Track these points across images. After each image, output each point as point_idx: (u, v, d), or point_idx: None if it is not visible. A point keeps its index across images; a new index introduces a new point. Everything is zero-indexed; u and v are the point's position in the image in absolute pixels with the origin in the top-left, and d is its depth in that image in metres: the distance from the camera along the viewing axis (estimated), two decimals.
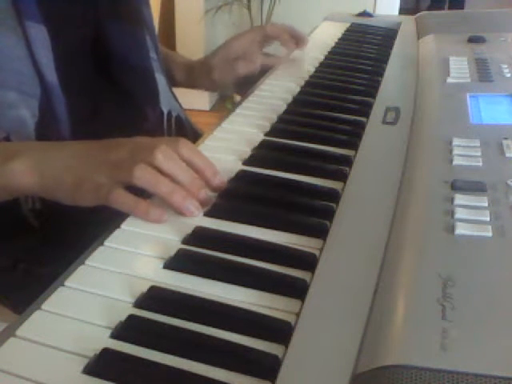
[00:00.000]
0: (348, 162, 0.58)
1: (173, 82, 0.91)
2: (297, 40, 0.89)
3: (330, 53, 0.98)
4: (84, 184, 0.48)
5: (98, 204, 0.49)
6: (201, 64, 0.89)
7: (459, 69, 0.75)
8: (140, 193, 0.49)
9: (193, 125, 0.87)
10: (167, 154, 0.48)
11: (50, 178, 0.50)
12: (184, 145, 0.50)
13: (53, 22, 0.61)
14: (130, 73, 0.71)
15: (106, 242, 0.45)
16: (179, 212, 0.49)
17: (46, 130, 0.61)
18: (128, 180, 0.47)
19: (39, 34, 0.60)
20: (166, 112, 0.77)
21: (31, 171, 0.50)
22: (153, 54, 0.74)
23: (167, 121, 0.77)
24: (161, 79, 0.75)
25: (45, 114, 0.61)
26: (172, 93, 0.81)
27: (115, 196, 0.47)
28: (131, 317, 0.37)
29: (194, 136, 0.81)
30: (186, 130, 0.83)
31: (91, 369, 0.33)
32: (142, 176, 0.47)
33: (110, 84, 0.70)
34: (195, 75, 0.90)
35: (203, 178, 0.51)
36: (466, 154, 0.51)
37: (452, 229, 0.40)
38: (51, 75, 0.61)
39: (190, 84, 0.92)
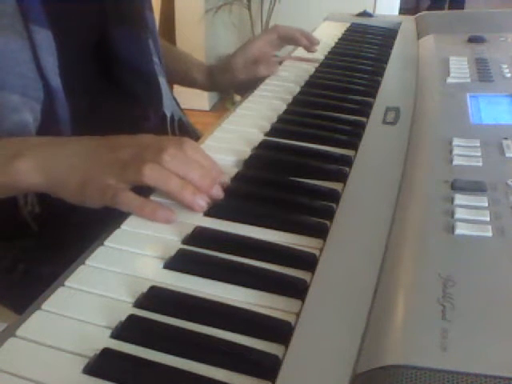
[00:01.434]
0: (348, 162, 0.58)
1: (193, 83, 0.95)
2: (309, 40, 0.92)
3: (330, 53, 0.98)
4: (90, 184, 0.48)
5: (103, 205, 0.48)
6: (221, 68, 0.92)
7: (459, 69, 0.75)
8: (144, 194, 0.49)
9: (194, 128, 0.87)
10: (175, 156, 0.48)
11: (56, 178, 0.49)
12: (189, 145, 0.51)
13: (58, 26, 0.61)
14: (133, 76, 0.71)
15: (106, 242, 0.45)
16: (190, 208, 0.49)
17: (47, 133, 0.61)
18: (138, 179, 0.47)
19: (45, 38, 0.60)
20: (169, 115, 0.77)
21: (36, 171, 0.49)
22: (155, 58, 0.74)
23: (171, 124, 0.78)
24: (163, 83, 0.76)
25: (47, 118, 0.61)
26: (173, 97, 0.82)
27: (122, 198, 0.47)
28: (131, 317, 0.37)
29: (196, 139, 0.81)
30: (190, 134, 0.83)
31: (91, 369, 0.33)
32: (152, 174, 0.47)
33: (112, 86, 0.70)
34: (217, 79, 0.93)
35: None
36: (466, 154, 0.51)
37: (452, 229, 0.40)
38: (55, 79, 0.61)
39: (211, 87, 0.96)
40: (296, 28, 0.92)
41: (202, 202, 0.49)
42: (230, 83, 0.92)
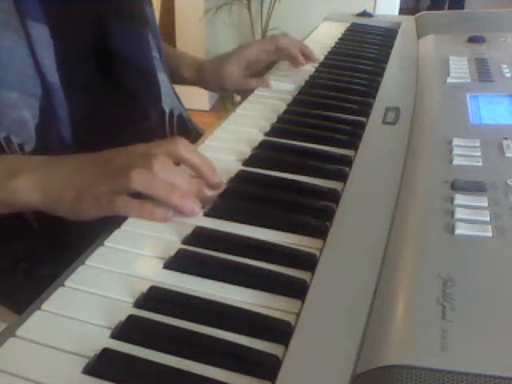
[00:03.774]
0: (348, 162, 0.58)
1: (182, 80, 0.93)
2: (307, 57, 0.89)
3: (330, 53, 0.98)
4: (84, 198, 0.48)
5: (101, 215, 0.48)
6: (211, 68, 0.90)
7: (459, 69, 0.75)
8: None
9: (195, 124, 0.87)
10: (164, 163, 0.48)
11: (51, 197, 0.49)
12: (181, 144, 0.50)
13: (55, 22, 0.61)
14: (132, 72, 0.71)
15: (106, 242, 0.45)
16: (180, 212, 0.48)
17: (46, 130, 0.61)
18: (126, 185, 0.47)
19: (41, 34, 0.60)
20: (167, 111, 0.77)
21: (33, 190, 0.49)
22: (155, 53, 0.74)
23: (169, 120, 0.77)
24: (163, 78, 0.75)
25: (45, 115, 0.61)
26: (174, 92, 0.81)
27: (118, 202, 0.47)
28: (131, 317, 0.37)
29: (197, 135, 0.81)
30: (189, 130, 0.83)
31: (91, 369, 0.33)
32: (139, 179, 0.46)
33: (112, 83, 0.70)
34: (206, 79, 0.91)
35: (201, 176, 0.51)
36: (466, 154, 0.51)
37: (452, 229, 0.40)
38: (53, 76, 0.61)
39: (199, 84, 0.94)
40: (297, 44, 0.89)
41: (191, 205, 0.48)
42: (218, 88, 0.91)
